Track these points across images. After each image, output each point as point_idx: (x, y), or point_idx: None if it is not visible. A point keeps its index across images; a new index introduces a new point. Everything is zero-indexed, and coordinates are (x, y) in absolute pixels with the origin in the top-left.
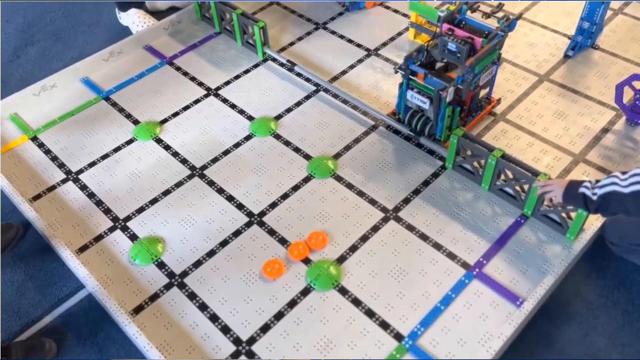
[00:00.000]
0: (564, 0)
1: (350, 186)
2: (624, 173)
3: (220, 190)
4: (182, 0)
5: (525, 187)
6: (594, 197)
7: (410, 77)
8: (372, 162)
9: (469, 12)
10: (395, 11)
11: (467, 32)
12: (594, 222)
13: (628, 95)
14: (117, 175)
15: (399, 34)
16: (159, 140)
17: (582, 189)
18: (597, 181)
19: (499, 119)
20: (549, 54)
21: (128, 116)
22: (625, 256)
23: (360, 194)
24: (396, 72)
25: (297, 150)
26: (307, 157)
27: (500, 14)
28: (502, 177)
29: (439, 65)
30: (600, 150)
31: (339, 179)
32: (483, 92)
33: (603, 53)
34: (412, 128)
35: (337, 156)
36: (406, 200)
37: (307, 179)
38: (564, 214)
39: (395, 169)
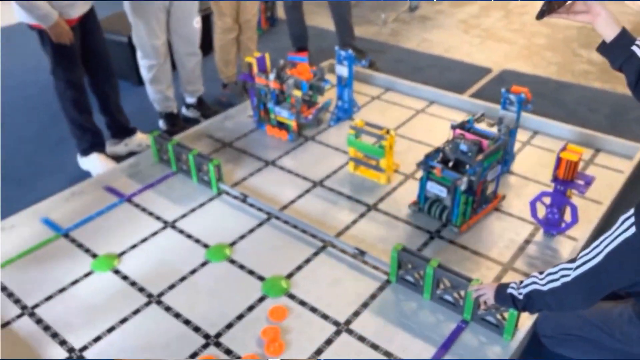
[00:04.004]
0: None
1: (303, 303)
2: (541, 273)
3: (177, 315)
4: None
5: (462, 293)
6: (520, 297)
7: (429, 171)
8: (323, 280)
9: (475, 123)
10: (336, 149)
11: (475, 136)
12: (526, 321)
13: (543, 210)
14: (74, 307)
15: (341, 167)
16: (117, 272)
17: (509, 290)
18: (521, 282)
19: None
20: None
21: (87, 251)
22: (558, 350)
23: (313, 310)
24: (417, 169)
25: (251, 272)
26: (261, 278)
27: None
28: (441, 286)
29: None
30: (525, 259)
31: (292, 297)
32: (490, 189)
33: (517, 177)
34: (432, 215)
35: (289, 276)
36: (356, 314)
37: (262, 299)
38: (499, 316)
39: (344, 285)
